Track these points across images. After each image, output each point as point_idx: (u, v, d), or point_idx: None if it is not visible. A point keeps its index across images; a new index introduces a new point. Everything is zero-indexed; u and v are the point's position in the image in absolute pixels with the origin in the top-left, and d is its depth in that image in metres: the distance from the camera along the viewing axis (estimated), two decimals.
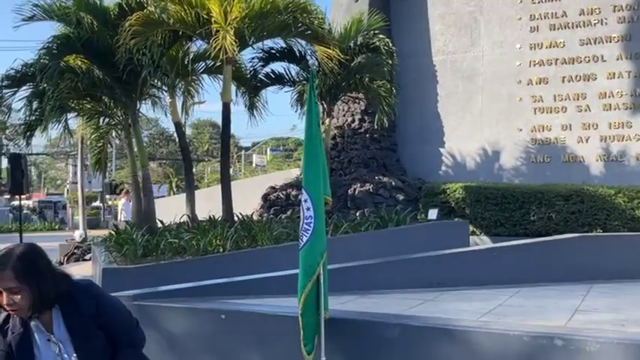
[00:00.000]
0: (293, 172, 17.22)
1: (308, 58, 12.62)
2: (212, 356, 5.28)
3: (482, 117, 14.23)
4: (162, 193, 39.24)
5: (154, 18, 10.73)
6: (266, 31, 11.31)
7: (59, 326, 2.48)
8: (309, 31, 11.60)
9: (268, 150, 59.79)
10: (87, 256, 15.90)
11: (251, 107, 13.53)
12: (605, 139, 13.00)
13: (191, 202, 12.06)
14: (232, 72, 11.60)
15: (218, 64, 11.72)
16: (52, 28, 11.95)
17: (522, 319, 5.35)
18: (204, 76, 13.41)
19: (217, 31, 10.25)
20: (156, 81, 12.19)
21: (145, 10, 10.81)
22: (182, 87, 13.15)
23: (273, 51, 13.28)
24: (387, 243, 10.32)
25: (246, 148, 61.55)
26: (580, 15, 13.32)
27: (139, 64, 10.56)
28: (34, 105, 11.79)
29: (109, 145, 15.03)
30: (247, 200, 14.24)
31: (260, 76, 13.62)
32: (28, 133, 12.27)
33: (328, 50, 11.39)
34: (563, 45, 13.47)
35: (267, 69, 13.67)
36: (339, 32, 13.11)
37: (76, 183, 27.46)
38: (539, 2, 13.73)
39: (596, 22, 13.18)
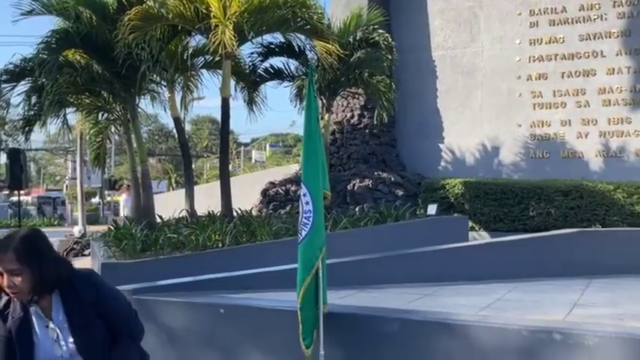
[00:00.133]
0: (292, 168, 17.22)
1: (307, 53, 12.62)
2: (211, 350, 5.28)
3: (482, 112, 14.22)
4: (162, 189, 39.21)
5: (153, 12, 10.72)
6: (265, 25, 11.29)
7: (58, 313, 2.48)
8: (308, 26, 11.57)
9: (267, 146, 59.74)
10: (86, 252, 15.90)
11: (250, 102, 13.51)
12: (604, 135, 13.00)
13: (190, 197, 12.06)
14: (231, 67, 11.59)
15: (217, 59, 11.71)
16: (50, 23, 11.94)
17: (521, 314, 5.36)
18: (204, 71, 13.40)
19: (216, 25, 10.23)
20: (155, 76, 12.17)
21: (143, 5, 10.80)
22: (181, 82, 13.13)
23: (272, 46, 13.25)
24: (386, 238, 10.30)
25: (246, 144, 61.52)
26: (580, 10, 13.30)
27: (138, 59, 10.54)
28: (33, 100, 11.77)
29: (108, 141, 15.00)
30: (246, 196, 14.24)
31: (259, 71, 13.60)
32: (26, 129, 12.25)
33: (327, 45, 11.38)
34: (563, 40, 13.46)
35: (267, 64, 13.67)
36: (339, 27, 13.09)
37: (75, 179, 27.40)
38: None
39: (595, 17, 13.15)
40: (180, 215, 11.92)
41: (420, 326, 4.61)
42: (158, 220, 11.46)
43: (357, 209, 12.36)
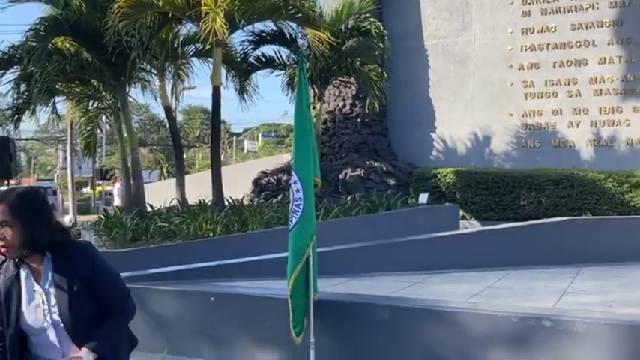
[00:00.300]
0: (284, 157, 17.18)
1: (299, 41, 12.55)
2: (201, 338, 5.27)
3: (474, 102, 14.22)
4: (153, 179, 39.01)
5: (143, 0, 10.61)
6: (256, 13, 11.23)
7: (47, 278, 2.45)
8: (299, 14, 11.52)
9: (260, 136, 59.51)
10: None
11: (241, 91, 13.45)
12: (595, 124, 13.03)
13: (181, 186, 12.01)
14: (222, 55, 11.52)
15: (208, 47, 11.64)
16: (39, 10, 11.84)
17: (511, 301, 5.38)
18: (194, 59, 13.34)
19: (207, 13, 10.15)
20: (145, 64, 12.10)
21: None
22: (172, 70, 13.06)
23: (264, 34, 13.20)
24: (377, 227, 10.31)
25: (238, 134, 61.30)
26: (572, 0, 13.29)
27: (128, 47, 10.47)
28: (22, 88, 11.68)
29: (98, 131, 14.92)
30: (238, 185, 14.20)
31: (250, 59, 13.55)
32: (16, 117, 12.15)
33: (319, 33, 11.32)
34: (555, 30, 13.45)
35: (258, 52, 13.62)
36: (330, 15, 13.04)
37: (66, 169, 27.23)
38: None
39: (587, 6, 13.15)
40: (171, 204, 11.88)
41: (409, 313, 4.61)
42: (149, 209, 11.41)
43: (348, 198, 12.37)
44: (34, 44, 10.57)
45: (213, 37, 10.16)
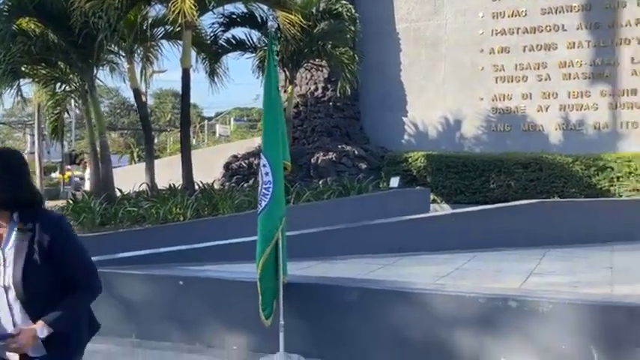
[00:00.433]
0: (255, 141, 17.07)
1: (269, 23, 12.44)
2: (170, 322, 5.23)
3: (445, 85, 14.27)
4: (123, 163, 38.50)
5: None
6: None
7: (8, 242, 2.40)
8: None
9: (232, 120, 59.07)
10: None
11: (212, 73, 13.32)
12: (564, 108, 13.19)
13: (150, 170, 11.87)
14: (192, 37, 11.38)
15: (177, 29, 11.49)
16: None
17: (478, 282, 5.43)
18: (164, 41, 13.12)
19: None
20: (113, 46, 11.88)
21: None
22: (141, 53, 12.84)
23: (234, 16, 13.06)
24: (349, 211, 10.34)
25: (210, 119, 60.76)
26: None
27: (95, 28, 10.25)
28: None
29: (67, 115, 14.62)
30: (209, 169, 14.10)
31: (221, 41, 13.41)
32: None
33: (290, 16, 11.25)
34: (525, 14, 13.53)
35: (228, 34, 13.49)
36: None
37: (34, 153, 26.75)
38: None
39: None
40: (141, 189, 11.74)
41: (378, 295, 4.63)
42: (118, 193, 11.27)
43: (320, 182, 12.36)
44: None
45: (182, 18, 10.01)
